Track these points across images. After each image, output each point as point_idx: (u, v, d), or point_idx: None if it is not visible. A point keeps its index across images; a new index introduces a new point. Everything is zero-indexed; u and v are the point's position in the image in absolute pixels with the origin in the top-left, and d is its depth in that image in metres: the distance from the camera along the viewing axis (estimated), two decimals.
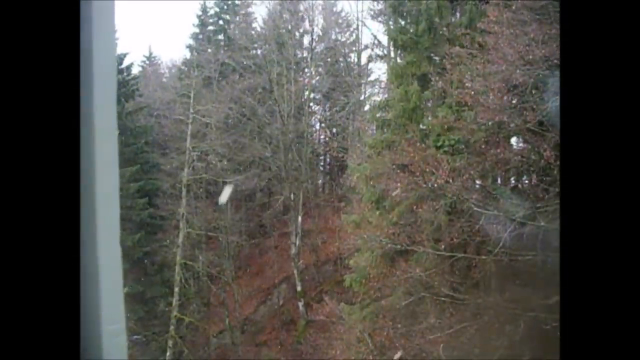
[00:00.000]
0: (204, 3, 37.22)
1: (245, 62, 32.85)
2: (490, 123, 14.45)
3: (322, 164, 41.38)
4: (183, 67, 38.31)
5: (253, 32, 39.14)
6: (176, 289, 26.93)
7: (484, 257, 15.28)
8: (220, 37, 37.37)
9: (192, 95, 29.17)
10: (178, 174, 29.42)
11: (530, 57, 12.73)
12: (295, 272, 30.22)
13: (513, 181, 19.43)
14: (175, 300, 26.77)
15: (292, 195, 31.34)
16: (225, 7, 38.33)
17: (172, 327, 26.33)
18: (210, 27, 37.67)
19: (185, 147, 28.75)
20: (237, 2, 38.87)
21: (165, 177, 30.51)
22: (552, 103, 12.42)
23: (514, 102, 14.11)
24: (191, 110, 28.81)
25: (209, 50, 34.00)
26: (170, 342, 26.11)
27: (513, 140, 16.82)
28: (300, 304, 29.66)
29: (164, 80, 44.63)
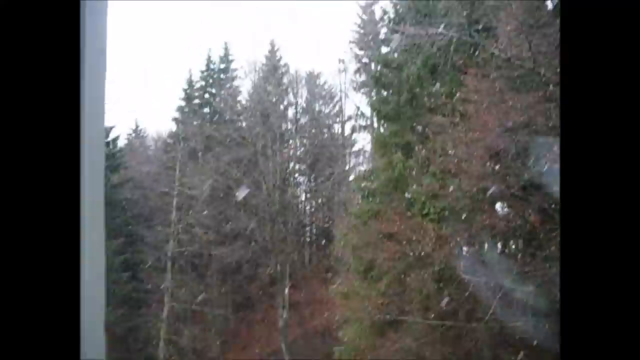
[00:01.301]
0: (190, 77, 37.96)
1: (230, 135, 33.19)
2: (474, 189, 14.56)
3: (308, 234, 41.23)
4: (169, 140, 38.60)
5: (238, 105, 39.79)
6: None
7: (474, 324, 15.05)
8: (206, 110, 37.88)
9: (177, 167, 29.28)
10: (163, 247, 29.10)
11: (510, 124, 13.00)
12: (282, 345, 29.53)
13: (500, 247, 19.39)
14: None
15: (278, 267, 31.04)
16: (210, 80, 39.07)
17: None
18: (196, 101, 38.24)
19: (171, 219, 28.60)
20: (222, 76, 39.67)
21: (150, 250, 30.15)
22: (534, 168, 12.59)
23: (496, 168, 14.28)
24: (176, 183, 28.85)
25: (195, 123, 34.39)
26: None
27: (497, 205, 16.90)
28: None
29: (150, 153, 44.85)
